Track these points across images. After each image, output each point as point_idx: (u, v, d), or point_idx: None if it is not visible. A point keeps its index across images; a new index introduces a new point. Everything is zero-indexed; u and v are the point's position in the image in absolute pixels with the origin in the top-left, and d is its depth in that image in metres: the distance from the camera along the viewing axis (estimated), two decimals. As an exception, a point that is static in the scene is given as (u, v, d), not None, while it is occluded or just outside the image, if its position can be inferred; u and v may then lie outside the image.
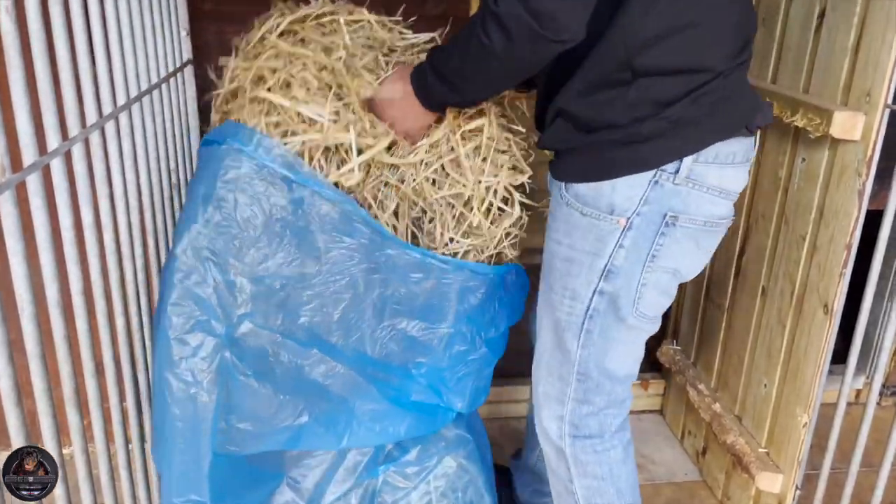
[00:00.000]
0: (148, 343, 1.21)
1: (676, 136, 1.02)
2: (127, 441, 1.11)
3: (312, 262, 1.09)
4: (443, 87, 1.07)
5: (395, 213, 1.17)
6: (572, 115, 1.07)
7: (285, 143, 1.11)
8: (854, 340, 1.31)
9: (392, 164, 1.14)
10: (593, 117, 1.05)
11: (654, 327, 1.20)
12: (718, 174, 1.05)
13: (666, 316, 1.29)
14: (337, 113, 1.14)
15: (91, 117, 0.97)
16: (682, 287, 1.93)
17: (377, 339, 1.13)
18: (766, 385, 1.51)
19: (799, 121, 1.30)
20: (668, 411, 2.05)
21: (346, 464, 1.21)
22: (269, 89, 1.15)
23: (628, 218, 1.05)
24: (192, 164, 1.56)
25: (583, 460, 1.24)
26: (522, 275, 1.29)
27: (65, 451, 0.83)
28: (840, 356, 1.39)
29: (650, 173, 1.03)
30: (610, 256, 1.08)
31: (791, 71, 1.42)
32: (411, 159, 1.14)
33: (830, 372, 1.41)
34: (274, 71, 1.17)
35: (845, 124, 1.20)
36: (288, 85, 1.16)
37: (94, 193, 0.98)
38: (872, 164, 1.21)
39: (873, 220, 1.27)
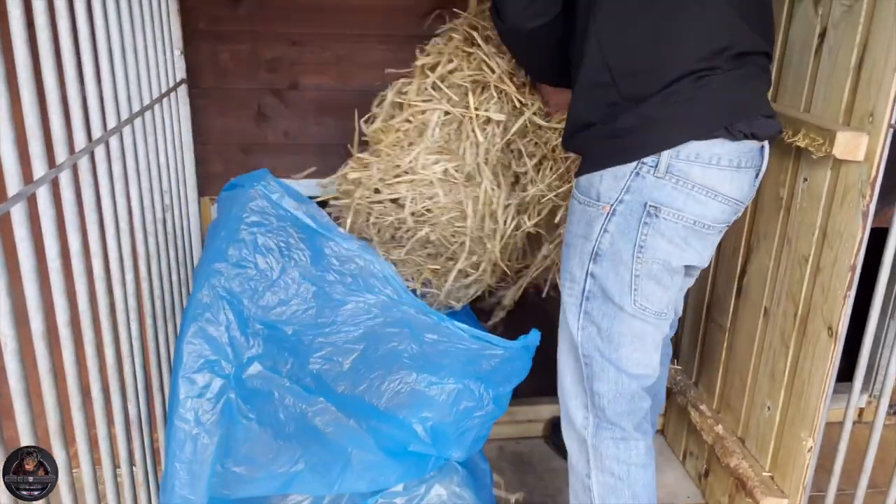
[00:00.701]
0: (139, 371, 1.18)
1: (650, 131, 1.12)
2: (115, 467, 1.08)
3: (328, 312, 1.08)
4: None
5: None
6: (575, 116, 1.21)
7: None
8: (859, 362, 1.28)
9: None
10: (587, 117, 1.18)
11: (663, 325, 1.26)
12: (702, 173, 1.12)
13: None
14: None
15: (80, 142, 0.94)
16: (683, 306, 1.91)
17: (385, 390, 1.11)
18: (769, 407, 1.49)
19: (801, 141, 1.28)
20: (669, 431, 2.02)
21: (332, 496, 1.19)
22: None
23: (611, 205, 1.16)
24: (185, 184, 1.54)
25: (603, 452, 1.30)
26: (536, 338, 1.28)
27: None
28: (842, 373, 1.37)
29: (633, 165, 1.13)
30: (596, 240, 1.19)
31: (791, 90, 1.40)
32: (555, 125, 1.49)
33: (834, 391, 1.39)
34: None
35: (848, 145, 1.18)
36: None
37: (83, 220, 0.95)
38: (876, 185, 1.19)
39: (875, 237, 1.25)
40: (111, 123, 1.09)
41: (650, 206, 1.14)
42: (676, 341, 1.95)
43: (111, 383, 1.07)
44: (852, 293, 1.25)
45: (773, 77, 1.47)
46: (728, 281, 1.65)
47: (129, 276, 1.14)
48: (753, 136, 1.14)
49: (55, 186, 0.86)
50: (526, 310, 2.45)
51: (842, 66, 1.25)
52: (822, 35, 1.30)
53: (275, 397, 1.08)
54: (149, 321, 1.26)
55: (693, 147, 1.11)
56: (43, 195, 0.82)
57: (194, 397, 1.07)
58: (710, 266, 1.74)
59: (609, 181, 1.16)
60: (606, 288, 1.20)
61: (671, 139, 1.11)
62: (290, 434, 1.06)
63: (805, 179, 1.35)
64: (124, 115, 1.14)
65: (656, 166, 1.12)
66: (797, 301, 1.38)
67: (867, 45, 1.19)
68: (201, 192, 1.64)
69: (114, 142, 1.09)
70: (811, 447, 1.36)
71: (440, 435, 1.14)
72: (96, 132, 1.03)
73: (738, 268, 1.60)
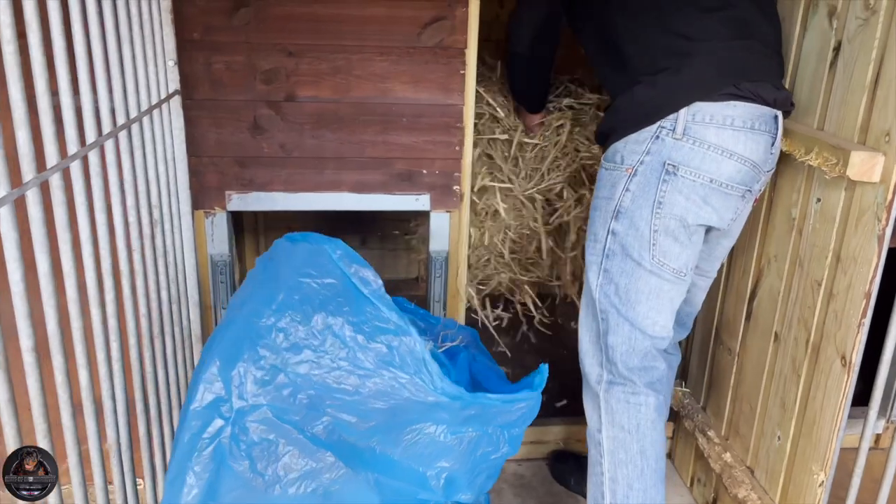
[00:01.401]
0: (119, 392, 1.14)
1: (665, 96, 1.25)
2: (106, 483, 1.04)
3: (356, 378, 1.01)
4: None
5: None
6: (606, 111, 1.40)
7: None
8: (876, 385, 1.22)
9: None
10: (614, 103, 1.36)
11: (681, 286, 1.34)
12: (717, 134, 1.23)
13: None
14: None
15: (52, 158, 0.90)
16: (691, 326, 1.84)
17: (400, 441, 1.03)
18: (779, 437, 1.42)
19: (813, 160, 1.22)
20: (676, 455, 1.95)
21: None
22: None
23: (633, 166, 1.28)
24: (178, 197, 1.50)
25: (614, 407, 1.37)
26: (545, 372, 1.22)
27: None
28: (858, 397, 1.30)
29: (653, 129, 1.26)
30: (619, 199, 1.30)
31: (805, 105, 1.34)
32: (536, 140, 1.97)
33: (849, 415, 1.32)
34: None
35: (863, 165, 1.12)
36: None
37: (54, 240, 0.91)
38: (893, 207, 1.12)
39: (893, 256, 1.18)
40: (91, 138, 1.05)
41: (669, 164, 1.24)
42: (685, 362, 1.89)
43: (85, 405, 1.03)
44: (867, 321, 1.19)
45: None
46: (738, 302, 1.59)
47: (110, 297, 1.10)
48: (763, 100, 1.24)
49: (20, 205, 0.82)
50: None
51: (857, 82, 1.18)
52: (837, 49, 1.24)
53: (278, 447, 1.01)
54: (132, 340, 1.21)
55: (708, 110, 1.22)
56: (5, 215, 0.78)
57: (194, 433, 1.01)
58: (719, 286, 1.67)
59: (632, 146, 1.28)
60: (626, 244, 1.30)
61: (683, 100, 1.23)
62: (285, 487, 0.99)
63: (818, 200, 1.29)
64: (107, 130, 1.10)
65: (674, 129, 1.23)
66: (809, 327, 1.32)
67: (884, 61, 1.13)
68: (196, 205, 1.60)
69: (93, 157, 1.05)
70: (823, 481, 1.29)
71: (452, 482, 1.07)
72: (72, 147, 0.99)
73: (749, 290, 1.54)
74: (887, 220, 1.12)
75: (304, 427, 0.99)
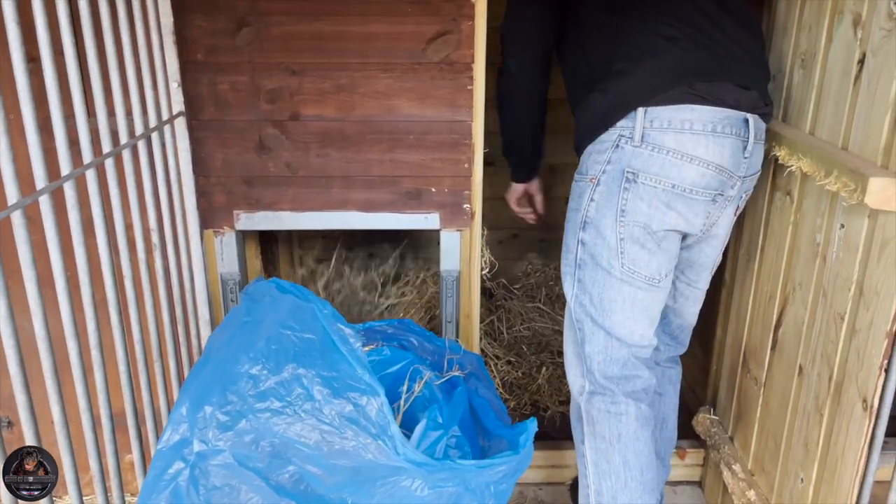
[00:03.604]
0: (107, 429, 1.14)
1: (618, 98, 1.25)
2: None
3: (318, 434, 0.96)
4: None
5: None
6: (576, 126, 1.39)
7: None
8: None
9: None
10: (579, 118, 1.36)
11: (656, 293, 1.32)
12: (675, 139, 1.21)
13: (703, 381, 1.41)
14: None
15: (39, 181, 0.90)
16: (720, 350, 1.74)
17: (374, 494, 0.97)
18: (802, 480, 1.31)
19: (832, 184, 1.12)
20: (706, 485, 1.85)
21: None
22: None
23: (596, 176, 1.29)
24: (185, 219, 1.51)
25: (594, 417, 1.36)
26: (534, 426, 1.16)
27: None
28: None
29: (613, 138, 1.26)
30: (585, 209, 1.31)
31: (830, 122, 1.23)
32: None
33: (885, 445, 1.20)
34: None
35: (884, 193, 1.01)
36: None
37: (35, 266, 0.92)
38: (919, 239, 1.01)
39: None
40: (87, 159, 1.06)
41: (628, 172, 1.24)
42: (714, 388, 1.78)
43: (59, 439, 1.03)
44: (893, 364, 1.08)
45: (809, 106, 1.30)
46: (764, 330, 1.48)
47: (91, 326, 1.11)
48: (724, 102, 1.21)
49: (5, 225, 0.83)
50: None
51: (881, 99, 1.07)
52: (862, 61, 1.13)
53: (240, 494, 0.98)
54: (121, 367, 1.22)
55: (664, 115, 1.21)
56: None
57: (157, 474, 0.99)
58: (747, 309, 1.57)
59: (595, 156, 1.30)
60: (595, 254, 1.31)
61: (633, 102, 1.23)
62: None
63: (842, 226, 1.18)
64: (106, 149, 1.11)
65: (632, 137, 1.23)
66: (832, 364, 1.21)
67: (908, 77, 1.02)
68: (205, 224, 1.60)
69: (90, 174, 1.06)
70: (845, 533, 1.18)
71: None
72: (65, 168, 1.00)
73: (775, 317, 1.43)
74: (911, 253, 1.01)
75: (269, 475, 0.96)
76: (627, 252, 1.28)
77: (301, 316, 1.07)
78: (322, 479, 0.95)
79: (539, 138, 1.62)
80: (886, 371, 1.08)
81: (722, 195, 1.27)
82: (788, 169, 1.30)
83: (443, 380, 1.35)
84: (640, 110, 1.23)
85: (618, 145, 1.25)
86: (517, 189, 1.74)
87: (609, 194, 1.27)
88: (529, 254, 2.84)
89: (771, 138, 1.37)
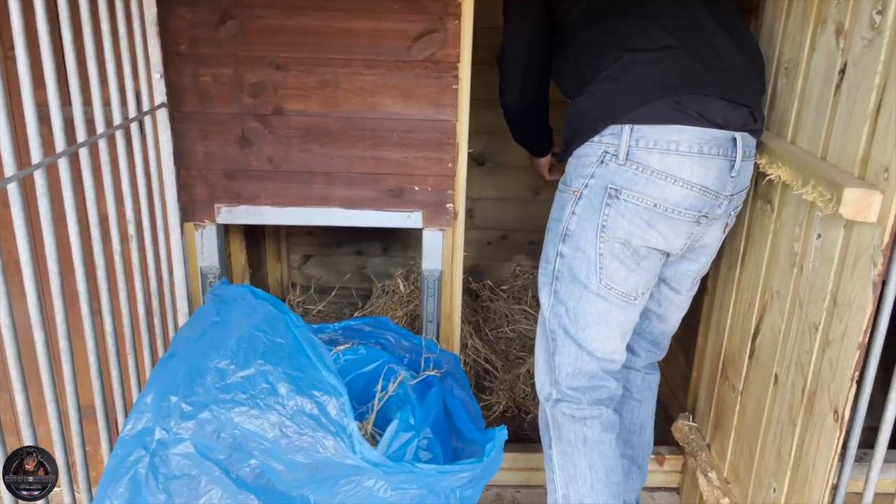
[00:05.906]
0: (75, 423, 1.13)
1: (601, 110, 1.25)
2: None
3: (278, 430, 0.96)
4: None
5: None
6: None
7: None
8: (879, 441, 1.10)
9: None
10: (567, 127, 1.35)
11: (631, 310, 1.32)
12: (660, 160, 1.21)
13: (685, 388, 1.39)
14: None
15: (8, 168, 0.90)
16: (700, 358, 1.73)
17: (336, 493, 0.97)
18: (775, 489, 1.31)
19: (809, 194, 1.11)
20: (684, 491, 1.84)
21: None
22: None
23: (579, 189, 1.28)
24: (165, 210, 1.50)
25: (560, 422, 1.37)
26: (504, 434, 1.15)
27: None
28: None
29: (598, 155, 1.25)
30: (566, 221, 1.30)
31: (810, 132, 1.23)
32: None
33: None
34: None
35: (858, 204, 1.01)
36: None
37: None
38: (893, 252, 1.01)
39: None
40: (60, 147, 1.05)
41: (611, 188, 1.24)
42: (694, 395, 1.78)
43: (24, 430, 1.02)
44: (865, 376, 1.07)
45: (791, 114, 1.30)
46: (743, 338, 1.48)
47: (60, 317, 1.10)
48: (712, 122, 1.20)
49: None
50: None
51: (860, 109, 1.07)
52: (843, 71, 1.13)
53: (200, 484, 0.97)
54: (91, 358, 1.21)
55: (651, 135, 1.20)
56: None
57: (118, 462, 0.99)
58: (727, 317, 1.56)
59: (578, 169, 1.29)
60: (573, 267, 1.30)
61: (620, 108, 1.22)
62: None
63: (819, 236, 1.18)
64: (81, 138, 1.10)
65: (617, 154, 1.23)
66: (805, 374, 1.21)
67: (886, 88, 1.01)
68: (185, 217, 1.60)
69: (62, 163, 1.05)
70: (814, 544, 1.18)
71: None
72: (35, 157, 0.99)
73: (753, 326, 1.43)
74: (884, 264, 1.01)
75: (230, 467, 0.95)
76: (606, 267, 1.28)
77: (274, 322, 1.07)
78: (282, 474, 0.94)
79: (547, 131, 1.68)
80: (858, 383, 1.07)
81: (707, 217, 1.26)
82: (769, 177, 1.30)
83: (417, 380, 1.34)
84: (627, 128, 1.21)
85: (602, 161, 1.25)
86: (542, 162, 1.80)
87: (591, 209, 1.26)
88: (518, 255, 2.83)
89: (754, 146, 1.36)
